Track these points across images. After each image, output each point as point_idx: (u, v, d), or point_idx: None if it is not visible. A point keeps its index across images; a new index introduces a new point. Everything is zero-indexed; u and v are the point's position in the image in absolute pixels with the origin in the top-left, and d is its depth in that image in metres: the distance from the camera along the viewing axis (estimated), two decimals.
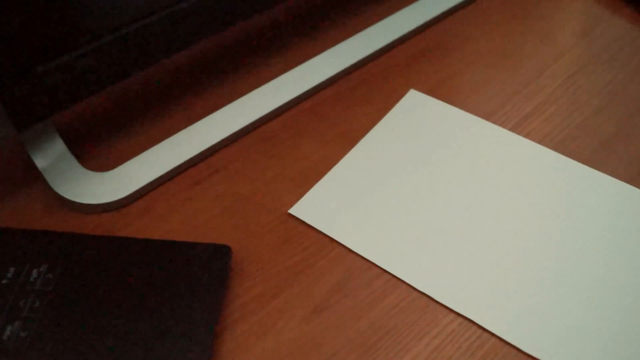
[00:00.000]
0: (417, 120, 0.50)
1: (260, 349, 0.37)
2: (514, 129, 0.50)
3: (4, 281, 0.38)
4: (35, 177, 0.45)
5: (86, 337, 0.35)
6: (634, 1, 0.62)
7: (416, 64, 0.56)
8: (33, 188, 0.46)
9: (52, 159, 0.45)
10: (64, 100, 0.42)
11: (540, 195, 0.45)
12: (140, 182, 0.45)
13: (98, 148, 0.49)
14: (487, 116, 0.51)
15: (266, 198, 0.45)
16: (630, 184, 0.45)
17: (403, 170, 0.47)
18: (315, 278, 0.40)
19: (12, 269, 0.38)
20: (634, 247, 0.42)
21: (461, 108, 0.51)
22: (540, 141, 0.49)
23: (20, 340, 0.35)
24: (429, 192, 0.45)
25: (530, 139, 0.49)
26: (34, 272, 0.38)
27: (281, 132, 0.50)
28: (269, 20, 0.61)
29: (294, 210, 0.44)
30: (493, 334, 0.38)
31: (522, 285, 0.40)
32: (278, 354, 0.37)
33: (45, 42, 0.39)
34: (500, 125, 0.50)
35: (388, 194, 0.45)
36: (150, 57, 0.45)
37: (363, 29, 0.58)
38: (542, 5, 0.63)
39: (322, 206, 0.44)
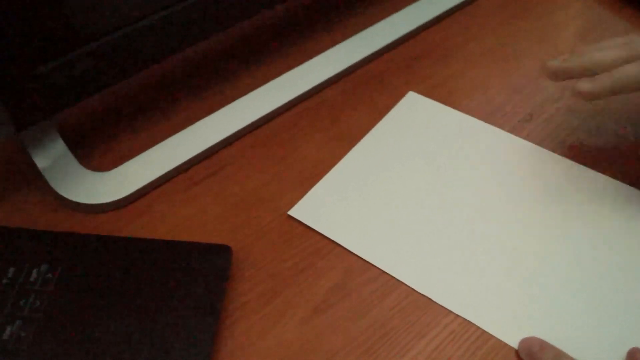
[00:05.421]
0: (416, 122, 0.50)
1: (260, 349, 0.37)
2: (513, 130, 0.50)
3: (4, 281, 0.38)
4: (36, 177, 0.45)
5: (86, 336, 0.35)
6: (634, 1, 0.62)
7: (415, 65, 0.56)
8: (33, 188, 0.46)
9: (52, 159, 0.45)
10: (64, 100, 0.42)
11: (540, 197, 0.45)
12: (140, 182, 0.45)
13: (98, 148, 0.49)
14: (487, 117, 0.51)
15: (266, 198, 0.45)
16: (631, 185, 0.45)
17: (401, 172, 0.47)
18: (315, 278, 0.40)
19: (12, 269, 0.38)
20: (635, 248, 0.42)
21: (460, 109, 0.51)
22: (540, 143, 0.49)
23: (20, 340, 0.35)
24: (428, 194, 0.45)
25: (529, 140, 0.49)
26: (34, 272, 0.38)
27: (281, 133, 0.50)
28: (268, 21, 0.61)
29: (294, 212, 0.44)
30: (493, 335, 0.38)
31: (522, 287, 0.40)
32: (278, 354, 0.37)
33: (45, 42, 0.39)
34: (499, 126, 0.50)
35: (387, 195, 0.45)
36: (150, 57, 0.45)
37: (362, 30, 0.58)
38: (542, 5, 0.63)
39: (321, 208, 0.44)
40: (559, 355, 0.35)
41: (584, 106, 0.52)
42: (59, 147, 0.45)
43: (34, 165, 0.44)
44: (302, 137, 0.49)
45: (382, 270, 0.41)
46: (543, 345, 0.36)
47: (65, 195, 0.44)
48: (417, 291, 0.40)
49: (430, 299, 0.39)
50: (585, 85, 0.41)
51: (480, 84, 0.54)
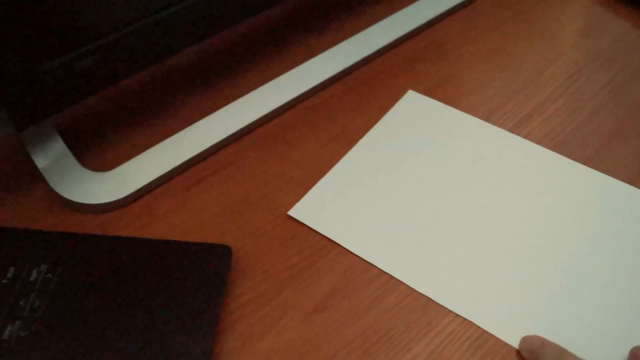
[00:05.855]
0: (415, 121, 0.50)
1: (260, 349, 0.37)
2: (513, 129, 0.50)
3: (4, 281, 0.38)
4: (35, 177, 0.45)
5: (86, 336, 0.35)
6: (634, 1, 0.62)
7: (415, 64, 0.56)
8: (33, 188, 0.46)
9: (52, 159, 0.45)
10: (64, 100, 0.42)
11: (540, 196, 0.45)
12: (140, 182, 0.45)
13: (98, 148, 0.49)
14: (486, 117, 0.51)
15: (266, 198, 0.45)
16: (630, 184, 0.45)
17: (400, 171, 0.47)
18: (315, 278, 0.40)
19: (12, 269, 0.38)
20: (635, 247, 0.42)
21: (460, 109, 0.51)
22: (540, 142, 0.49)
23: (20, 340, 0.35)
24: (428, 194, 0.45)
25: (529, 139, 0.49)
26: (34, 272, 0.38)
27: (281, 133, 0.50)
28: (268, 20, 0.61)
29: (293, 212, 0.44)
30: (493, 335, 0.38)
31: (522, 286, 0.40)
32: (278, 353, 0.37)
33: (45, 42, 0.39)
34: (499, 125, 0.50)
35: (386, 194, 0.45)
36: (150, 57, 0.45)
37: (362, 29, 0.58)
38: (542, 6, 0.63)
39: (321, 208, 0.44)
40: (561, 352, 0.35)
41: (583, 106, 0.52)
42: (59, 147, 0.45)
43: (34, 165, 0.44)
44: (302, 137, 0.49)
45: (382, 270, 0.41)
46: (545, 342, 0.36)
47: (65, 195, 0.44)
48: (417, 291, 0.40)
49: (430, 299, 0.39)
50: None
51: (480, 83, 0.54)
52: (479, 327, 0.38)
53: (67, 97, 0.42)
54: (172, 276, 0.38)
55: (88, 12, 0.40)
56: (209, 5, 0.46)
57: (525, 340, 0.37)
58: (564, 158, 0.47)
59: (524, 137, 0.49)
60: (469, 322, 0.38)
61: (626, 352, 0.37)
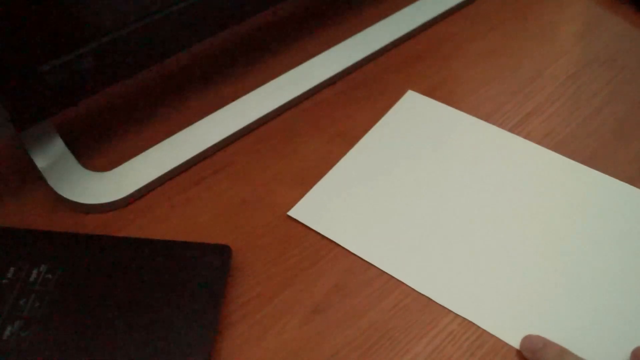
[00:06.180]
0: (415, 122, 0.50)
1: (260, 349, 0.37)
2: (513, 129, 0.50)
3: (4, 281, 0.38)
4: (36, 177, 0.45)
5: (86, 336, 0.35)
6: (634, 1, 0.62)
7: (415, 65, 0.56)
8: (33, 188, 0.46)
9: (52, 159, 0.45)
10: (64, 100, 0.42)
11: (540, 196, 0.45)
12: (140, 182, 0.45)
13: (98, 148, 0.49)
14: (487, 117, 0.51)
15: (266, 198, 0.45)
16: (630, 184, 0.45)
17: (400, 171, 0.47)
18: (315, 278, 0.40)
19: (12, 269, 0.38)
20: (635, 247, 0.42)
21: (460, 109, 0.51)
22: (540, 142, 0.49)
23: (20, 340, 0.35)
24: (428, 193, 0.45)
25: (529, 139, 0.49)
26: (34, 272, 0.38)
27: (281, 133, 0.50)
28: (268, 20, 0.61)
29: (293, 213, 0.44)
30: (493, 335, 0.38)
31: (522, 286, 0.40)
32: (278, 353, 0.37)
33: (45, 42, 0.39)
34: (499, 125, 0.50)
35: (386, 195, 0.45)
36: (150, 57, 0.45)
37: (362, 30, 0.58)
38: (542, 5, 0.63)
39: (321, 208, 0.44)
40: (563, 352, 0.35)
41: (583, 106, 0.52)
42: (59, 147, 0.45)
43: (34, 165, 0.44)
44: (302, 137, 0.49)
45: (382, 270, 0.41)
46: (546, 343, 0.36)
47: (65, 195, 0.44)
48: (416, 291, 0.40)
49: (430, 299, 0.39)
50: None
51: (480, 83, 0.54)
52: (479, 327, 0.38)
53: (67, 97, 0.42)
54: (172, 276, 0.38)
55: (88, 12, 0.40)
56: (209, 5, 0.46)
57: (526, 340, 0.37)
58: (564, 158, 0.47)
59: (524, 137, 0.49)
60: (469, 322, 0.38)
61: (628, 352, 0.37)
